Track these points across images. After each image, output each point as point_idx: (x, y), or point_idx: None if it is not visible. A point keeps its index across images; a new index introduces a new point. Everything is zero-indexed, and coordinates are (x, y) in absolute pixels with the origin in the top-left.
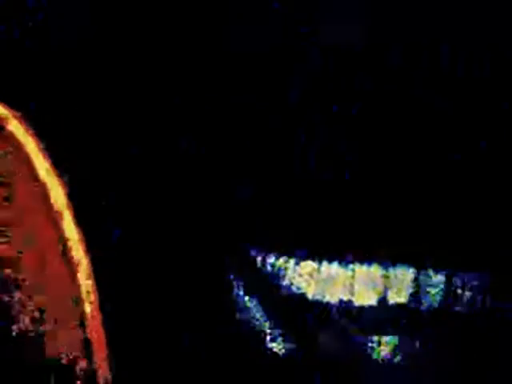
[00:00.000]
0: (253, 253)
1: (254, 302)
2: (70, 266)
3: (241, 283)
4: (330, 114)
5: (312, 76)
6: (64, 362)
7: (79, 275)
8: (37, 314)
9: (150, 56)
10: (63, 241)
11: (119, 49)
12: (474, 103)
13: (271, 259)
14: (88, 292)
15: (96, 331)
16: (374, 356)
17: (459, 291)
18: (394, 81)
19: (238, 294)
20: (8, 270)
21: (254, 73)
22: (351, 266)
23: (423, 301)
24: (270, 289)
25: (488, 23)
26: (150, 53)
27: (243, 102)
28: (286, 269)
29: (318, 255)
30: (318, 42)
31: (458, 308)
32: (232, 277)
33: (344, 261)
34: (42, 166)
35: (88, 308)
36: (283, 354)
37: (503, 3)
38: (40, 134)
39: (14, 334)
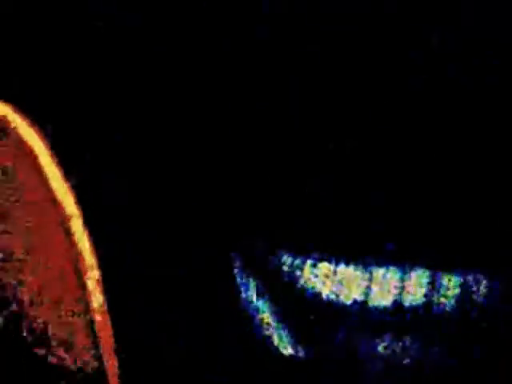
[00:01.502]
0: (268, 253)
1: (268, 303)
2: (79, 271)
3: (254, 283)
4: (342, 114)
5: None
6: (72, 362)
7: (89, 280)
8: (43, 318)
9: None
10: (73, 246)
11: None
12: (474, 103)
13: (287, 260)
14: (96, 296)
15: (104, 333)
16: (387, 358)
17: (475, 294)
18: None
19: (251, 295)
20: (15, 274)
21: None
22: (369, 268)
23: (438, 303)
24: (284, 289)
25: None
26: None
27: (248, 99)
28: (301, 270)
29: (335, 257)
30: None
31: (473, 311)
32: (246, 277)
33: (361, 263)
34: (51, 170)
35: (96, 312)
36: (295, 355)
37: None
38: (48, 136)
39: (21, 338)
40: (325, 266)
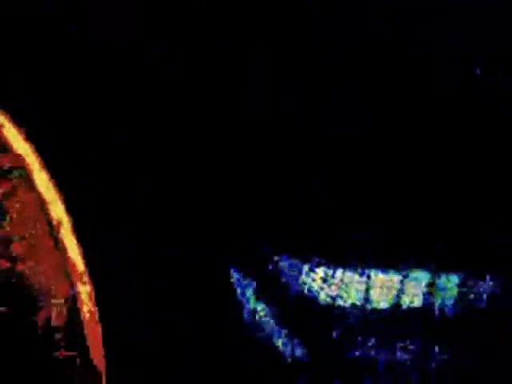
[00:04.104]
0: (267, 256)
1: (266, 304)
2: (69, 274)
3: (253, 285)
4: (346, 116)
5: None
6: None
7: (78, 283)
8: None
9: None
10: (62, 250)
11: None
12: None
13: (285, 263)
14: (87, 298)
15: (93, 334)
16: (385, 359)
17: (474, 295)
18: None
19: (249, 296)
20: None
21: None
22: (367, 271)
23: (437, 305)
24: (282, 292)
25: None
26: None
27: (251, 100)
28: (299, 273)
29: (334, 261)
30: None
31: (471, 312)
32: (245, 279)
33: (359, 267)
34: (40, 176)
35: (86, 314)
36: (293, 356)
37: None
38: (37, 141)
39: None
40: (322, 270)
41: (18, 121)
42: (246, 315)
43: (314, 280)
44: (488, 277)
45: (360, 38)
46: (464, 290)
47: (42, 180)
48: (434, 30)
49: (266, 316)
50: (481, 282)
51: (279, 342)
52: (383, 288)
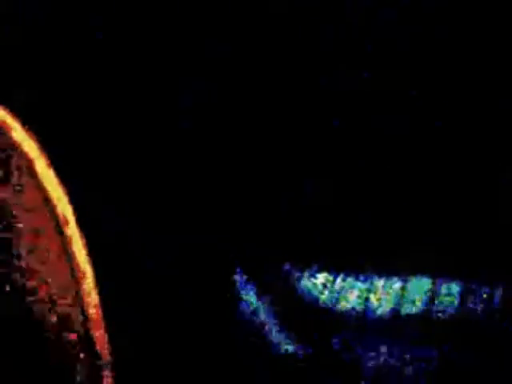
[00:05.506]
0: (270, 260)
1: (265, 309)
2: (74, 272)
3: (255, 288)
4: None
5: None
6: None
7: (83, 282)
8: (36, 316)
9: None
10: (67, 245)
11: (122, 49)
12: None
13: (287, 268)
14: (91, 298)
15: (98, 331)
16: (384, 365)
17: (474, 303)
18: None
19: (249, 302)
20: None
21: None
22: (369, 278)
23: (437, 312)
24: (283, 295)
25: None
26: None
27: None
28: (300, 278)
29: (335, 267)
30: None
31: (472, 320)
32: (244, 284)
33: (361, 273)
34: (45, 172)
35: (90, 311)
36: (292, 362)
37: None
38: (42, 138)
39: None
40: (323, 276)
41: (24, 121)
42: (247, 316)
43: (314, 285)
44: (490, 284)
45: None
46: (466, 297)
47: (46, 176)
48: None
49: (266, 318)
50: (482, 290)
51: (278, 343)
52: (383, 294)
